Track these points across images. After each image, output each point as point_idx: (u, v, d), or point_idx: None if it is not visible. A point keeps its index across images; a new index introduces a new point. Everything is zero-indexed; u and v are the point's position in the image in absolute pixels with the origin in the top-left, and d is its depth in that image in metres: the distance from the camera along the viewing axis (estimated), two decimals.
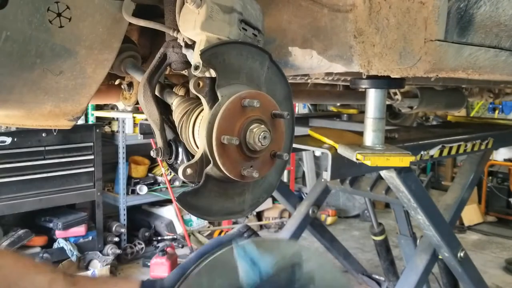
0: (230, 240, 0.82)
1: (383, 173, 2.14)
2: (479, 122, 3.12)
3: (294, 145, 1.23)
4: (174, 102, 1.09)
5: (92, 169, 4.53)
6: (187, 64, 1.08)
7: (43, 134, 4.14)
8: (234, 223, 5.70)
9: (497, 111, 6.98)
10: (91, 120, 4.97)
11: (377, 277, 3.84)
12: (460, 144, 2.24)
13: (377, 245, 3.70)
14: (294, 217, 3.17)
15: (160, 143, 1.11)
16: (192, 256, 0.81)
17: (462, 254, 2.49)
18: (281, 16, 1.20)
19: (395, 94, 2.35)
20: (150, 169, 5.37)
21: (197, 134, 0.98)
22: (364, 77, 1.50)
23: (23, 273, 0.70)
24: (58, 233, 4.32)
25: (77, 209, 4.74)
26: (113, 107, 5.03)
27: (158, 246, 4.75)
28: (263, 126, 0.93)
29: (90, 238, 4.50)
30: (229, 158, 0.91)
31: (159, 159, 1.21)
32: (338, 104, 3.58)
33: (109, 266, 4.36)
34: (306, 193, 5.53)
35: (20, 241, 4.07)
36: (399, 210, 3.29)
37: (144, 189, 5.07)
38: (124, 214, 4.90)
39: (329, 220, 6.29)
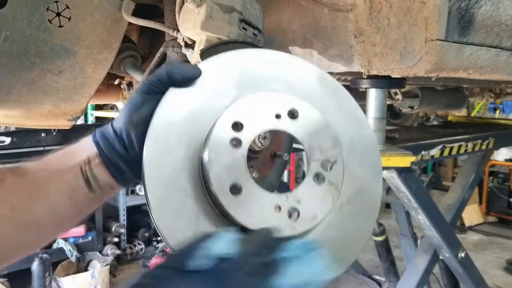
0: None
1: (383, 173, 2.13)
2: (480, 122, 3.12)
3: (294, 145, 1.22)
4: None
5: None
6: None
7: (43, 134, 4.14)
8: None
9: (498, 111, 6.98)
10: (91, 120, 4.97)
11: (377, 277, 3.84)
12: (461, 144, 2.23)
13: (378, 246, 3.70)
14: None
15: None
16: None
17: (463, 255, 2.49)
18: (281, 16, 1.20)
19: (396, 94, 2.35)
20: None
21: None
22: (365, 77, 1.50)
23: None
24: None
25: None
26: (113, 107, 5.03)
27: (158, 247, 4.75)
28: None
29: (90, 238, 4.50)
30: None
31: None
32: None
33: (108, 266, 4.36)
34: None
35: None
36: (399, 210, 3.29)
37: None
38: (124, 215, 4.90)
39: None
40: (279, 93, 0.71)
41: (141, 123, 0.67)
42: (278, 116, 0.69)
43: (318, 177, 0.70)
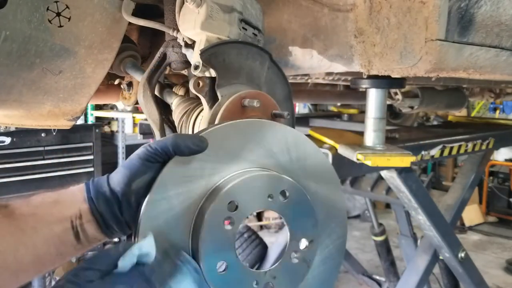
0: None
1: (383, 173, 2.14)
2: (480, 122, 3.12)
3: None
4: (174, 102, 1.08)
5: (92, 169, 4.53)
6: (187, 63, 1.08)
7: (43, 134, 4.14)
8: None
9: (498, 111, 6.99)
10: (91, 120, 4.97)
11: (377, 277, 3.84)
12: (461, 144, 2.23)
13: (378, 246, 3.70)
14: None
15: None
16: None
17: (463, 255, 2.49)
18: (281, 16, 1.20)
19: (396, 94, 2.35)
20: None
21: None
22: (365, 77, 1.50)
23: None
24: None
25: None
26: (113, 107, 5.03)
27: None
28: None
29: None
30: None
31: None
32: (339, 104, 3.58)
33: None
34: None
35: None
36: (399, 210, 3.29)
37: None
38: None
39: None
40: (273, 173, 0.75)
41: (140, 189, 0.69)
42: (270, 196, 0.73)
43: (295, 254, 0.77)
